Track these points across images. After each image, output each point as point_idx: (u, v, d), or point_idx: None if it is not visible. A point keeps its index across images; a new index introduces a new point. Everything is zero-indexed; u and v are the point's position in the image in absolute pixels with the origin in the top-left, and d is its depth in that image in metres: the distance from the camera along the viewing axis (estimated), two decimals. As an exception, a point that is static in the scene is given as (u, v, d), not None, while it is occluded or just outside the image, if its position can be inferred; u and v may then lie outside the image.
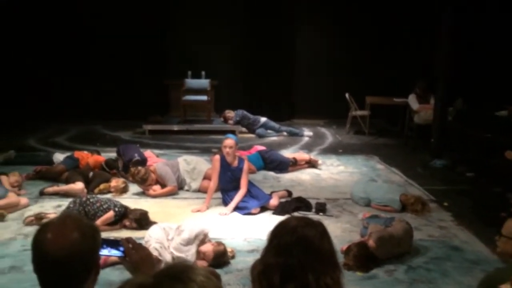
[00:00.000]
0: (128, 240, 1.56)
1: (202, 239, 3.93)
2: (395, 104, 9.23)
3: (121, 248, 1.54)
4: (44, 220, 4.46)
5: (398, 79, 9.55)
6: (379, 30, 10.25)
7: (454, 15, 7.12)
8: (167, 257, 3.73)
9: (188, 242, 3.84)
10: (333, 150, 8.17)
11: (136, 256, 1.52)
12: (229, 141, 5.20)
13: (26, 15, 9.59)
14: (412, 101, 8.30)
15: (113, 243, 1.55)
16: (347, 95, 9.37)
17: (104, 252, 1.50)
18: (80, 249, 1.31)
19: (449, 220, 5.01)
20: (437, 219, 5.02)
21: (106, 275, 3.46)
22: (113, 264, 3.64)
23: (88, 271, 1.35)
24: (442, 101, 7.41)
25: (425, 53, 9.19)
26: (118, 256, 1.55)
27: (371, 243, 3.95)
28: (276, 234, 1.41)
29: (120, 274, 3.57)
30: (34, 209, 4.95)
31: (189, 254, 3.83)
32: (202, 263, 3.82)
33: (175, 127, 9.19)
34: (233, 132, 8.57)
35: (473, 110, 7.51)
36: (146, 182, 5.54)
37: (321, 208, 5.14)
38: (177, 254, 3.79)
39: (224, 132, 7.51)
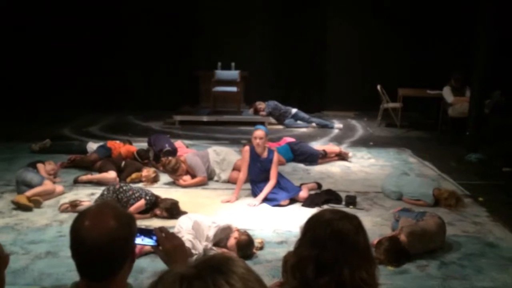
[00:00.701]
0: (161, 229, 1.57)
1: (228, 232, 3.94)
2: (428, 97, 9.01)
3: (154, 237, 1.55)
4: (79, 208, 4.60)
5: (432, 71, 9.31)
6: (413, 21, 10.00)
7: (493, 6, 6.86)
8: (200, 248, 3.76)
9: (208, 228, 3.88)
10: (364, 142, 8.05)
11: (169, 245, 1.53)
12: (259, 132, 5.19)
13: (60, 7, 9.79)
14: (447, 93, 8.08)
15: (146, 232, 1.56)
16: (378, 87, 9.20)
17: (138, 240, 1.51)
18: (117, 237, 1.33)
19: (484, 216, 4.87)
20: (472, 215, 4.89)
21: (138, 262, 3.52)
22: (146, 253, 3.70)
23: (124, 258, 1.37)
24: (478, 93, 7.18)
25: (461, 44, 8.93)
26: (151, 245, 1.57)
27: (402, 237, 3.88)
28: (310, 226, 1.38)
29: (151, 262, 3.63)
30: (69, 197, 5.08)
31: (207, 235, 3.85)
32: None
33: (205, 118, 9.25)
34: (262, 123, 8.57)
35: (511, 102, 7.25)
36: (176, 172, 5.60)
37: (351, 201, 5.08)
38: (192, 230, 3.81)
39: (253, 124, 7.50)
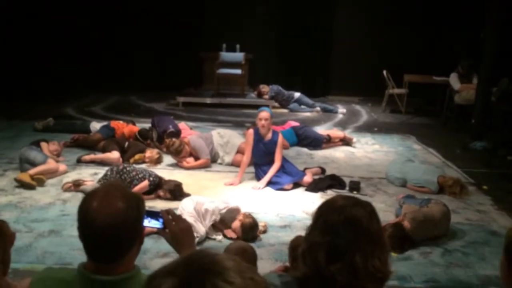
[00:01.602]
0: (168, 211, 1.55)
1: (235, 215, 3.94)
2: (434, 83, 8.92)
3: (161, 220, 1.53)
4: (82, 187, 4.59)
5: (439, 57, 9.20)
6: (420, 6, 9.84)
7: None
8: (201, 231, 3.75)
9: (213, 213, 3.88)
10: (368, 128, 8.01)
11: (176, 228, 1.51)
12: (264, 113, 5.14)
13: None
14: (454, 80, 8.00)
15: (153, 214, 1.54)
16: (384, 72, 9.11)
17: (145, 222, 1.49)
18: (125, 218, 1.31)
19: (488, 204, 4.85)
20: (476, 203, 4.87)
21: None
22: (148, 234, 3.70)
23: (132, 240, 1.35)
24: (485, 81, 7.11)
25: (469, 31, 8.80)
26: (158, 228, 1.55)
27: (406, 223, 3.87)
28: (322, 212, 1.35)
29: (154, 243, 3.63)
30: (72, 176, 5.08)
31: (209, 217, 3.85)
32: (233, 235, 3.85)
33: (208, 100, 9.19)
34: (266, 106, 8.50)
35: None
36: (180, 154, 5.58)
37: (355, 186, 5.06)
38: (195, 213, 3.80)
39: (257, 107, 7.43)
